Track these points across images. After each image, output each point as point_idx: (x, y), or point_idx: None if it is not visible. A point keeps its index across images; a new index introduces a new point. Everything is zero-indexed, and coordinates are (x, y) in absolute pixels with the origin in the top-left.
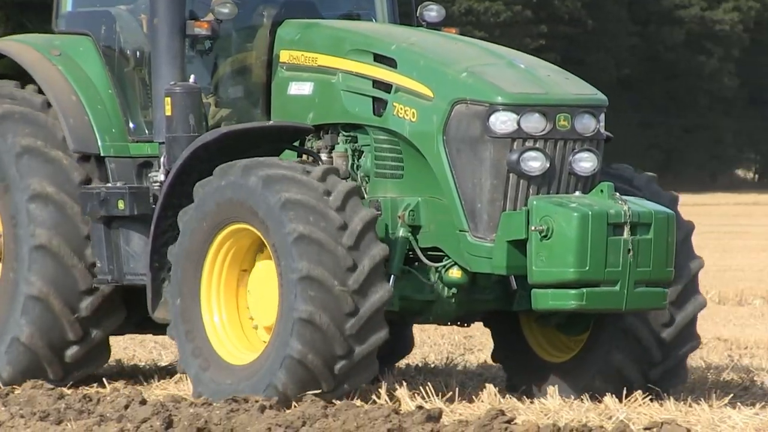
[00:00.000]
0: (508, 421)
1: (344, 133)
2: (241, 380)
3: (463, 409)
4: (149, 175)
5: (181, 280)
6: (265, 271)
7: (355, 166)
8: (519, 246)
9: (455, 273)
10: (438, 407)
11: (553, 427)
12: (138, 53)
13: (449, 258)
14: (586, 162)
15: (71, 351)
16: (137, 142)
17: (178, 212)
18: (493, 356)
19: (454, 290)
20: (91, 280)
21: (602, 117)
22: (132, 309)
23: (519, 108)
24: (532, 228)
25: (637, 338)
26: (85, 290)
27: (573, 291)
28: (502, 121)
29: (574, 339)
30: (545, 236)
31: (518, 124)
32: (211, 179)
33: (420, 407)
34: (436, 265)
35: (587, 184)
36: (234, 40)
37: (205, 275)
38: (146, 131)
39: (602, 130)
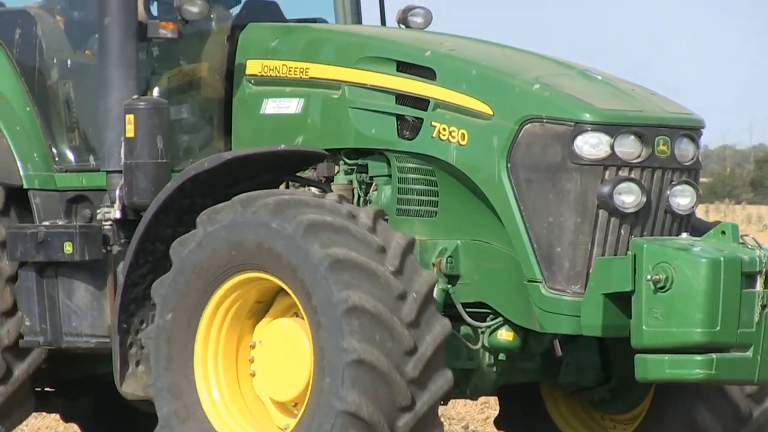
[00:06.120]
0: None
1: (347, 160)
2: None
3: None
4: (98, 211)
5: (170, 336)
6: (280, 333)
7: (362, 201)
8: (617, 300)
9: (505, 335)
10: None
11: None
12: (67, 62)
13: (496, 316)
14: (684, 197)
15: None
16: (65, 171)
17: (150, 259)
18: (498, 422)
19: (501, 356)
20: (4, 366)
21: (701, 142)
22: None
23: (612, 128)
24: (648, 277)
25: None
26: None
27: (699, 357)
28: (592, 145)
29: (615, 419)
30: (662, 288)
31: (611, 148)
32: (222, 210)
33: None
34: (482, 325)
35: (683, 224)
36: (177, 47)
37: (202, 332)
38: (72, 159)
39: (700, 158)
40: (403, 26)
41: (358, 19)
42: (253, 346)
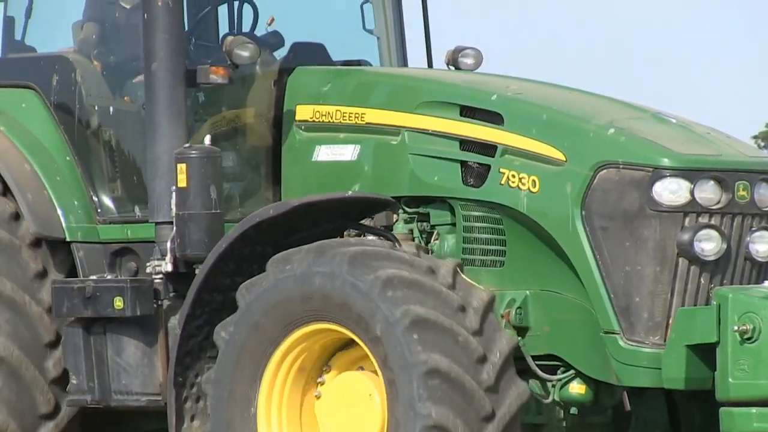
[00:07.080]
0: None
1: (407, 208)
2: None
3: None
4: (147, 264)
5: (231, 386)
6: (348, 386)
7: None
8: (700, 352)
9: (577, 388)
10: None
11: None
12: (108, 109)
13: (567, 369)
14: (763, 243)
15: None
16: (109, 223)
17: (206, 310)
18: None
19: (572, 410)
20: (53, 400)
21: None
22: None
23: (692, 174)
24: (735, 328)
25: None
26: (46, 414)
27: None
28: (672, 191)
29: None
30: (749, 339)
31: (691, 194)
32: (295, 257)
33: None
34: (553, 378)
35: (762, 271)
36: (223, 92)
37: (266, 383)
38: (115, 210)
39: None
40: (453, 67)
41: (404, 60)
42: (318, 397)
